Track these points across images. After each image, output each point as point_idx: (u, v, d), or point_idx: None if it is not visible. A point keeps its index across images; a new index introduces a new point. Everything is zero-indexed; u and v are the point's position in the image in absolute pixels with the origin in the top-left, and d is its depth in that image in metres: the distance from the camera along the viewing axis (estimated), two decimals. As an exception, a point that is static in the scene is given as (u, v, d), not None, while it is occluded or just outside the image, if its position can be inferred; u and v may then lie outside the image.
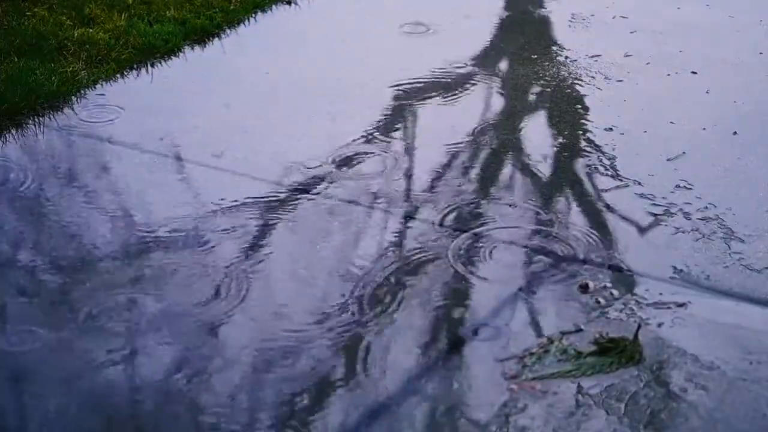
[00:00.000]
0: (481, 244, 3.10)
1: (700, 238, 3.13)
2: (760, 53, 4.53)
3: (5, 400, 2.52)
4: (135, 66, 4.30)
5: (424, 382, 2.53)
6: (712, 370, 2.57)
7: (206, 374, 2.56)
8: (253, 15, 4.93)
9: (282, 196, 3.35)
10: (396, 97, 4.07)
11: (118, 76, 4.21)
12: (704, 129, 3.82)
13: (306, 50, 4.56)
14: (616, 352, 2.62)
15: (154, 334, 2.69)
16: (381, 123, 3.85)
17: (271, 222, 3.20)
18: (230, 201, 3.30)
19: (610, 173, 3.50)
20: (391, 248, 3.08)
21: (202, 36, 4.64)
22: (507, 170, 3.55)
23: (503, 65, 4.43)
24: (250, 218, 3.21)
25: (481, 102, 4.09)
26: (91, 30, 4.49)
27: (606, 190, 3.40)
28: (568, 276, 2.94)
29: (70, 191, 3.38)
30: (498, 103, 4.09)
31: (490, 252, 3.07)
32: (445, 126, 3.84)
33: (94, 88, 4.08)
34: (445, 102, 4.06)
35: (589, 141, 3.74)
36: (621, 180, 3.46)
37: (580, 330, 2.71)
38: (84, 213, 3.24)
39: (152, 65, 4.34)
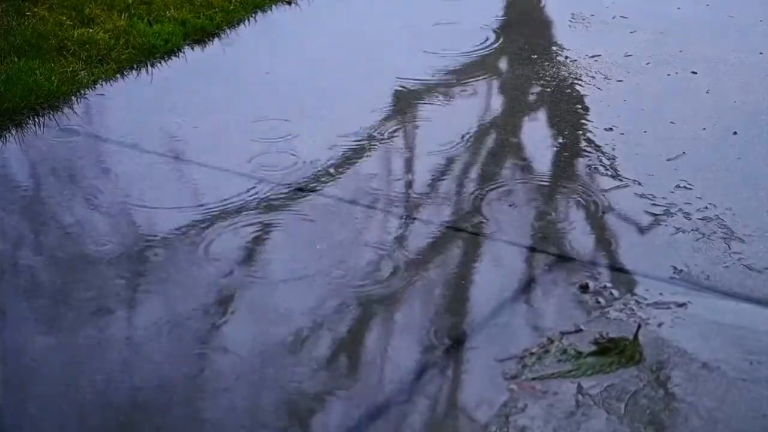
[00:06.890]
0: (481, 244, 3.10)
1: (700, 238, 3.12)
2: (760, 53, 4.53)
3: (6, 400, 2.52)
4: (135, 66, 4.30)
5: (424, 381, 2.53)
6: (712, 370, 2.57)
7: (205, 374, 2.56)
8: (253, 15, 4.93)
9: (282, 195, 3.34)
10: (396, 97, 4.07)
11: (118, 76, 4.21)
12: (704, 129, 3.82)
13: (306, 50, 4.56)
14: (616, 352, 2.62)
15: (154, 333, 2.69)
16: (381, 123, 3.85)
17: (271, 221, 3.20)
18: (230, 201, 3.30)
19: (610, 173, 3.50)
20: (390, 248, 3.08)
21: (202, 36, 4.64)
22: (507, 170, 3.54)
23: (503, 65, 4.44)
24: (251, 218, 3.21)
25: (482, 102, 4.09)
26: (91, 30, 4.49)
27: (606, 190, 3.40)
28: (568, 276, 2.94)
29: (70, 191, 3.37)
30: (498, 103, 4.09)
31: (490, 252, 3.07)
32: (446, 126, 3.84)
33: (94, 88, 4.08)
34: (445, 102, 4.06)
35: (589, 141, 3.74)
36: (621, 180, 3.46)
37: (580, 330, 2.71)
38: (83, 213, 3.24)
39: (152, 65, 4.34)
